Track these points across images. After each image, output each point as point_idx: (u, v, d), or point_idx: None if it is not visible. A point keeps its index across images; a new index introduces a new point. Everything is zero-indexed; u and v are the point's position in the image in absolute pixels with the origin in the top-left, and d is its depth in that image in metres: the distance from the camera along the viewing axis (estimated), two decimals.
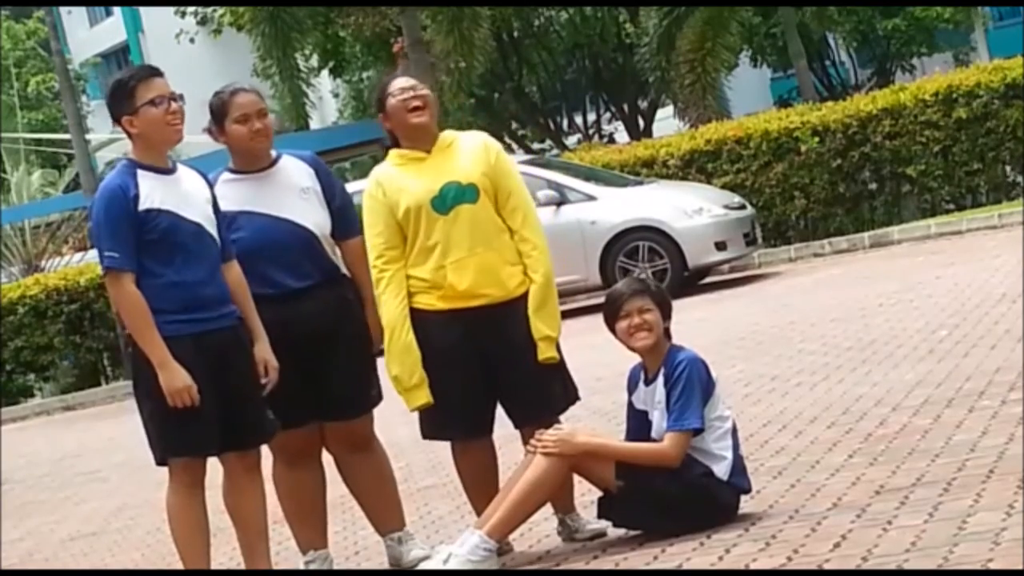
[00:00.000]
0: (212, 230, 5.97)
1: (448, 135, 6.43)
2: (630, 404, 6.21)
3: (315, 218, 6.35)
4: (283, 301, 6.25)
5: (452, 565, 5.90)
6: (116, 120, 5.98)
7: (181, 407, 5.76)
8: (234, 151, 6.40)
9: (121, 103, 5.91)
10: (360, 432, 6.47)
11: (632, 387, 6.20)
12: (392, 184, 6.32)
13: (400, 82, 6.41)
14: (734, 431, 6.10)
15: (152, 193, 5.84)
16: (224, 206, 6.25)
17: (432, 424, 6.37)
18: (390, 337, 6.25)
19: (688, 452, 5.99)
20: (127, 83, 5.90)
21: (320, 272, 6.35)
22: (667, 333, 6.14)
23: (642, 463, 5.98)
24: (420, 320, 6.24)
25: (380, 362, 6.47)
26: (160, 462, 6.03)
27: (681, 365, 5.99)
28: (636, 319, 6.06)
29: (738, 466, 6.05)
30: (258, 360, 6.02)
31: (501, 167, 6.34)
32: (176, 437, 5.85)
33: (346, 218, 6.47)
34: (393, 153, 6.41)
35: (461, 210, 6.23)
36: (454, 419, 6.31)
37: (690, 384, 5.97)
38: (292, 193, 6.35)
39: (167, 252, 5.84)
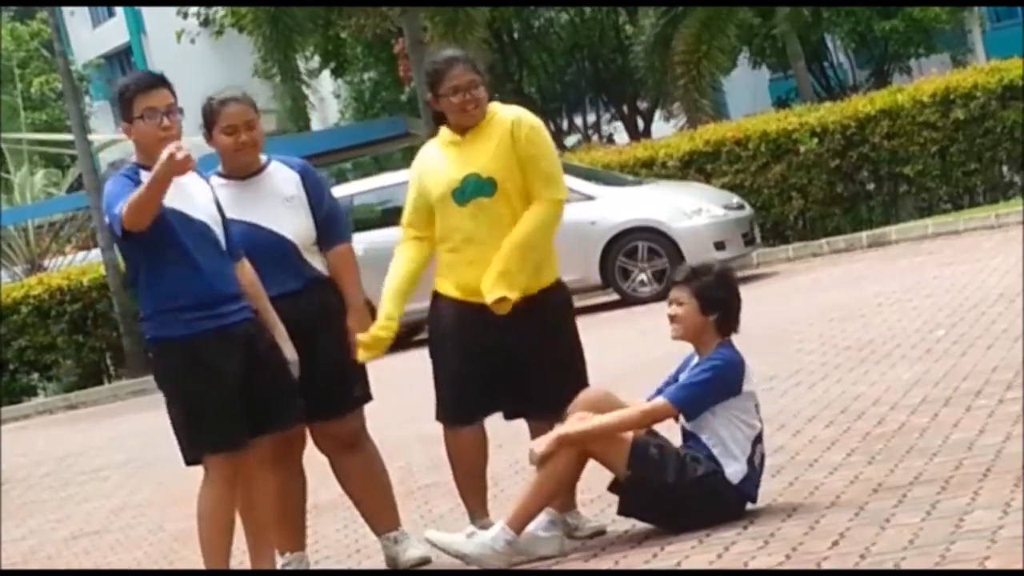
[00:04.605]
0: (218, 229, 6.02)
1: (487, 112, 6.36)
2: (673, 378, 6.22)
3: (295, 227, 6.38)
4: None
5: (472, 546, 5.97)
6: (121, 121, 6.06)
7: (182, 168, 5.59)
8: (221, 158, 6.46)
9: (122, 110, 5.97)
10: (346, 430, 6.49)
11: (682, 368, 6.23)
12: (426, 169, 6.40)
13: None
14: (756, 442, 6.10)
15: None
16: None
17: (437, 406, 6.44)
18: (386, 285, 6.36)
19: (705, 444, 6.03)
20: (125, 92, 5.95)
21: (298, 280, 6.37)
22: (720, 326, 6.16)
23: (617, 431, 6.00)
24: (438, 302, 6.34)
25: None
26: (191, 462, 6.03)
27: (712, 361, 6.06)
28: (671, 309, 6.16)
29: (750, 477, 6.05)
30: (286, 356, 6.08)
31: (531, 148, 6.26)
32: (212, 435, 5.88)
33: (332, 227, 6.49)
34: (442, 130, 6.43)
35: (478, 203, 6.25)
36: (447, 404, 6.38)
37: (707, 381, 6.02)
38: (275, 201, 6.39)
39: (177, 249, 5.87)
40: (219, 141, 6.38)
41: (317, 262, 6.44)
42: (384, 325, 6.30)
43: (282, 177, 6.45)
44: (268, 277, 6.24)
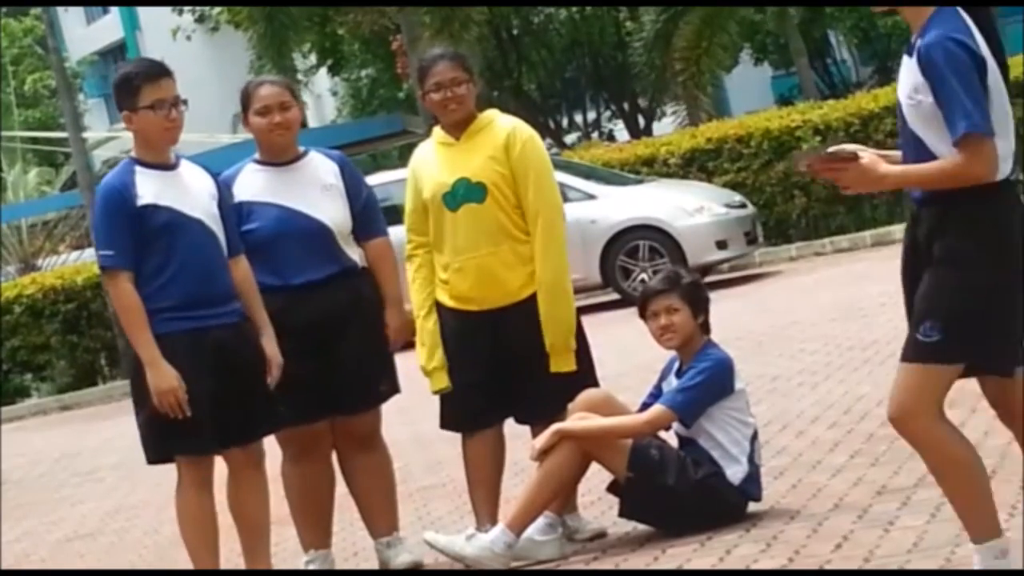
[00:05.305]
0: (214, 226, 5.94)
1: (484, 119, 6.36)
2: (657, 388, 6.20)
3: (333, 214, 6.36)
4: (293, 293, 6.27)
5: (472, 548, 5.95)
6: (119, 109, 6.00)
7: (168, 410, 5.71)
8: (257, 142, 6.46)
9: (124, 97, 5.90)
10: (364, 428, 6.46)
11: (664, 375, 6.21)
12: (420, 170, 6.38)
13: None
14: (754, 439, 6.08)
15: (150, 189, 5.84)
16: (244, 195, 6.33)
17: (442, 414, 6.42)
18: (417, 323, 6.36)
19: (704, 447, 6.00)
20: (132, 80, 5.88)
21: (333, 267, 6.35)
22: (704, 327, 6.13)
23: (617, 436, 5.98)
24: (439, 312, 6.33)
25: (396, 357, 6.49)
26: (151, 461, 6.00)
27: (703, 364, 6.01)
28: (663, 320, 6.07)
29: (752, 475, 6.03)
30: (268, 355, 6.01)
31: (525, 161, 6.25)
32: (175, 437, 5.80)
33: (369, 219, 6.48)
34: (436, 131, 6.41)
35: (467, 209, 6.21)
36: (457, 413, 6.36)
37: (702, 384, 5.99)
38: (314, 188, 6.38)
39: (167, 248, 5.82)
40: (253, 123, 6.39)
41: (353, 253, 6.43)
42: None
43: (321, 166, 6.46)
44: (303, 262, 6.28)
